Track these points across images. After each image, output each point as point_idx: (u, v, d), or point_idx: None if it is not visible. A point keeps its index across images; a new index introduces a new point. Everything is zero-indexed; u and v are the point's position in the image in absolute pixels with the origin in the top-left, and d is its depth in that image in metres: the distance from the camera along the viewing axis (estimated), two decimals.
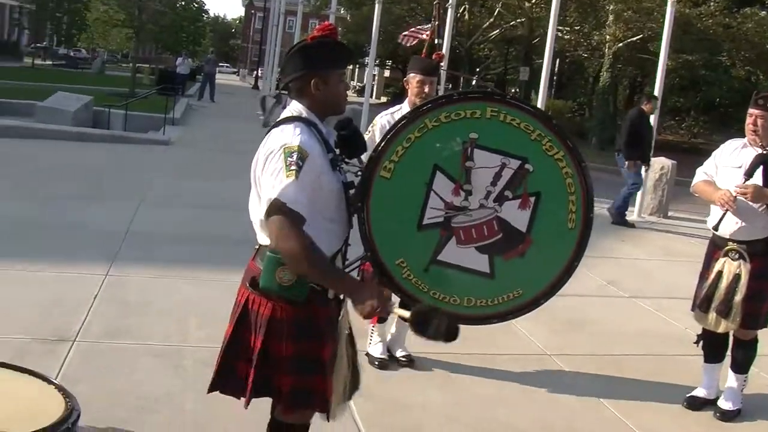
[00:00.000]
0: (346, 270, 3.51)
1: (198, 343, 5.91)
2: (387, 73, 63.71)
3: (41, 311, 6.29)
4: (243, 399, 3.44)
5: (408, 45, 17.18)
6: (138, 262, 7.75)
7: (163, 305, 6.69)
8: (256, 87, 49.60)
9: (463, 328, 3.34)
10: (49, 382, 1.80)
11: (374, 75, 39.89)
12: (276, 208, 3.12)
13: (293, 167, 3.14)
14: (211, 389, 3.54)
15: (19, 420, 1.59)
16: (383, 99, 53.10)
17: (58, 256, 7.67)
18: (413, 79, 5.73)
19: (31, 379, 1.82)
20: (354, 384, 3.68)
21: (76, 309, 6.39)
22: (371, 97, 21.26)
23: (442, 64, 10.25)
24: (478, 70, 40.41)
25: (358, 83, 61.34)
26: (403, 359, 5.86)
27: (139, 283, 7.21)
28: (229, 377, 3.47)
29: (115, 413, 4.74)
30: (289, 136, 3.23)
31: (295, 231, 3.11)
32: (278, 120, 3.40)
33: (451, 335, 3.27)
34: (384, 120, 5.55)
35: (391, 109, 5.76)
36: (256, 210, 3.34)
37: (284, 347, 3.33)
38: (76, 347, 5.68)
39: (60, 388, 1.77)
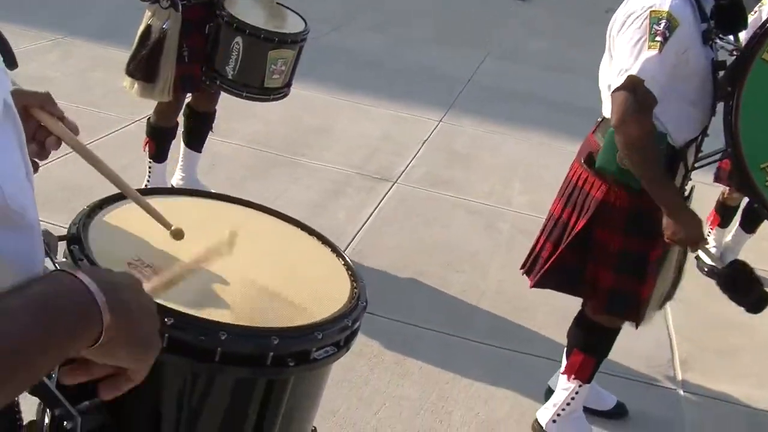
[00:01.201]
0: (698, 165, 3.02)
1: (518, 208, 5.63)
2: None
3: (370, 147, 6.29)
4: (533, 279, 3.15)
5: None
6: (473, 113, 7.52)
7: (490, 162, 6.45)
8: None
9: None
10: (340, 254, 1.47)
11: None
12: (630, 84, 2.70)
13: (658, 38, 2.67)
14: (523, 266, 3.27)
15: (302, 298, 1.34)
16: None
17: (397, 95, 7.61)
18: None
19: (325, 251, 1.51)
20: (671, 292, 3.24)
21: (404, 151, 6.32)
22: None
23: None
24: None
25: None
26: None
27: (471, 135, 6.99)
28: (535, 255, 3.16)
29: (420, 264, 4.62)
30: None
31: (640, 115, 2.70)
32: None
33: (758, 306, 2.81)
34: None
35: None
36: (606, 76, 2.90)
37: (611, 239, 2.95)
38: (395, 189, 5.61)
39: (349, 268, 1.44)
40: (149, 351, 1.01)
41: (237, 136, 5.96)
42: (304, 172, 5.67)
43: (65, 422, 1.18)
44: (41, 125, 1.31)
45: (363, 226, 4.99)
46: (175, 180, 4.82)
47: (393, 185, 5.66)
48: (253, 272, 1.39)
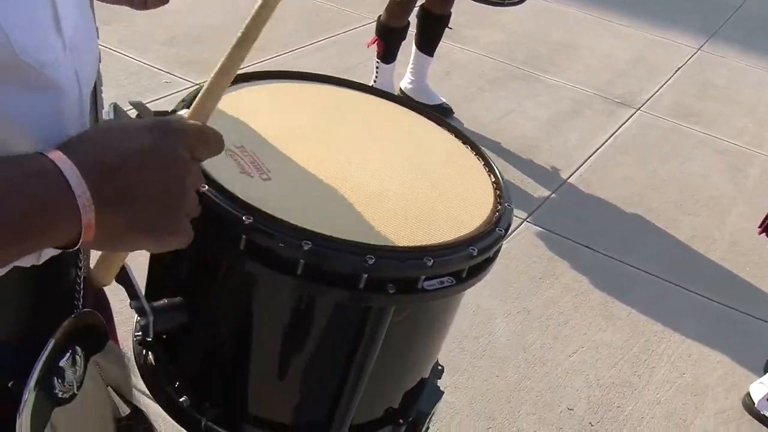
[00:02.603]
0: None
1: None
2: None
3: (617, 69, 5.85)
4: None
5: None
6: (737, 44, 6.81)
7: (749, 99, 5.83)
8: None
9: None
10: (492, 169, 1.19)
11: None
12: None
13: None
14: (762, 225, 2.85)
15: (427, 213, 1.11)
16: None
17: (654, 16, 7.01)
18: None
19: (474, 163, 1.25)
20: None
21: (653, 77, 5.83)
22: None
23: None
24: None
25: None
26: None
27: (731, 67, 6.34)
28: None
29: (650, 201, 4.24)
30: None
31: None
32: None
33: None
34: None
35: None
36: None
37: None
38: (637, 117, 5.18)
39: (498, 187, 1.18)
40: (173, 239, 0.78)
41: (477, 44, 5.70)
42: (543, 88, 5.34)
43: (139, 318, 1.07)
44: None
45: (595, 152, 4.64)
46: (404, 84, 4.66)
47: (635, 112, 5.23)
48: (373, 175, 1.14)
